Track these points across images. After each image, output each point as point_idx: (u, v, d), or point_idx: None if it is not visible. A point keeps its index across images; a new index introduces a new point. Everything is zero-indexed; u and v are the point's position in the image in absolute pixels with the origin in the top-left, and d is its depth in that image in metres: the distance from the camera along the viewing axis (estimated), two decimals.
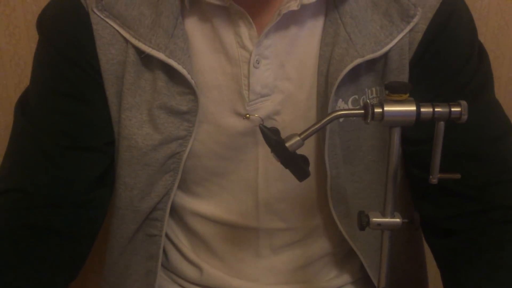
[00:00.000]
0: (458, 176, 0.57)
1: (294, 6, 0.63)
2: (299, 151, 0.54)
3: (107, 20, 0.65)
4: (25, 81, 0.96)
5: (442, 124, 0.53)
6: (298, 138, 0.54)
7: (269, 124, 0.67)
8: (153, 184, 0.70)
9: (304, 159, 0.56)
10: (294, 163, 0.55)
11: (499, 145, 0.69)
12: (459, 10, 0.68)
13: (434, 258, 0.73)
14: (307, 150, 0.67)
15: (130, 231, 0.73)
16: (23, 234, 0.65)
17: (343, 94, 0.66)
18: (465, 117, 0.52)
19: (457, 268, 0.68)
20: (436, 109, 0.52)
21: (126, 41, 0.66)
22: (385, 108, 0.52)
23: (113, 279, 0.77)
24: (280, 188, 0.72)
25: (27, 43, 0.95)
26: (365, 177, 0.71)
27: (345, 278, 0.79)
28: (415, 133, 0.67)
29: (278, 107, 0.68)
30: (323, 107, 0.66)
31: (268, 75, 0.67)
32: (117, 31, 0.66)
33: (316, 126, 0.54)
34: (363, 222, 0.56)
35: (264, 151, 0.70)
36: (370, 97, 0.68)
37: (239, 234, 0.76)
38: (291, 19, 0.65)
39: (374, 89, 0.68)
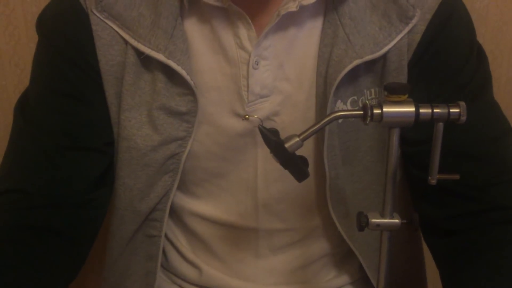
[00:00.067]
0: (457, 177, 0.57)
1: (293, 7, 0.63)
2: (298, 152, 0.54)
3: (107, 21, 0.66)
4: (25, 82, 0.95)
5: (441, 125, 0.54)
6: (297, 139, 0.54)
7: (268, 125, 0.67)
8: (153, 184, 0.70)
9: (303, 160, 0.56)
10: (293, 164, 0.55)
11: (498, 146, 0.69)
12: (457, 11, 0.68)
13: (434, 258, 0.73)
14: (306, 151, 0.67)
15: (129, 232, 0.73)
16: (23, 234, 0.65)
17: (342, 95, 0.66)
18: (464, 118, 0.53)
19: (457, 268, 0.68)
20: (435, 110, 0.53)
21: (126, 42, 0.66)
22: (384, 109, 0.52)
23: (112, 279, 0.77)
24: (279, 188, 0.72)
25: (26, 43, 0.95)
26: (364, 177, 0.71)
27: (344, 278, 0.79)
28: (414, 134, 0.67)
29: (277, 108, 0.68)
30: (322, 108, 0.67)
31: (267, 76, 0.67)
32: (117, 32, 0.66)
33: (315, 127, 0.54)
34: (362, 223, 0.56)
35: (263, 152, 0.70)
36: (369, 98, 0.68)
37: (238, 235, 0.76)
38: (290, 20, 0.65)
39: (373, 90, 0.68)
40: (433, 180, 0.56)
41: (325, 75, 0.66)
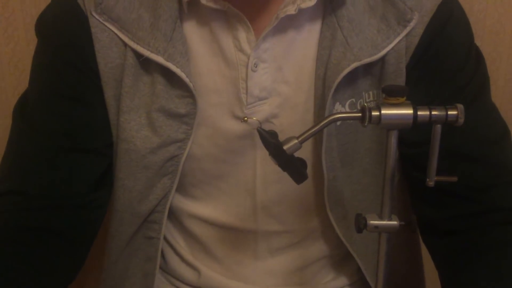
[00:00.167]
0: (455, 179, 0.57)
1: (291, 10, 0.63)
2: (296, 154, 0.55)
3: (106, 23, 0.66)
4: (24, 84, 0.95)
5: (439, 127, 0.54)
6: (295, 141, 0.54)
7: (267, 127, 0.66)
8: (152, 186, 0.70)
9: (302, 162, 0.56)
10: (292, 166, 0.55)
11: (496, 148, 0.69)
12: (455, 13, 0.68)
13: (433, 259, 0.73)
14: (305, 153, 0.68)
15: (128, 233, 0.73)
16: (22, 235, 0.66)
17: (341, 98, 0.66)
18: (461, 120, 0.53)
19: (456, 269, 0.68)
20: (433, 112, 0.53)
21: (125, 44, 0.66)
22: (382, 111, 0.52)
23: (111, 281, 0.77)
24: (278, 190, 0.72)
25: (25, 45, 0.95)
26: (362, 179, 0.71)
27: (342, 280, 0.79)
28: (413, 136, 0.67)
29: (276, 110, 0.68)
30: (320, 110, 0.67)
31: (266, 78, 0.67)
32: (116, 34, 0.66)
33: (314, 129, 0.54)
34: (361, 225, 0.56)
35: (262, 154, 0.70)
36: (368, 100, 0.68)
37: (237, 237, 0.76)
38: (289, 23, 0.66)
39: (371, 93, 0.68)
40: (431, 182, 0.56)
41: (324, 78, 0.66)
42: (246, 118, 0.67)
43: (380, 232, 0.57)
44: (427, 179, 0.56)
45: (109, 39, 0.66)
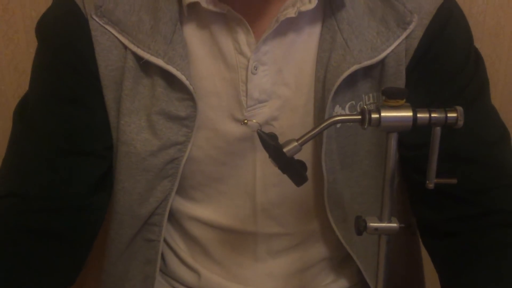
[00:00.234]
0: (454, 181, 0.58)
1: (291, 13, 0.63)
2: (296, 156, 0.55)
3: (106, 26, 0.66)
4: (24, 86, 0.95)
5: (438, 129, 0.54)
6: (295, 143, 0.54)
7: (266, 129, 0.67)
8: (152, 189, 0.70)
9: (301, 164, 0.56)
10: (292, 168, 0.55)
11: (495, 150, 0.69)
12: (455, 16, 0.69)
13: (432, 261, 0.73)
14: (305, 155, 0.68)
15: (128, 236, 0.73)
16: (22, 237, 0.66)
17: (340, 100, 0.66)
18: (461, 122, 0.53)
19: (456, 271, 0.68)
20: (432, 115, 0.53)
21: (125, 47, 0.66)
22: (382, 114, 0.52)
23: (111, 283, 0.77)
24: (278, 193, 0.72)
25: (25, 48, 0.95)
26: (362, 182, 0.71)
27: (342, 282, 0.79)
28: (413, 138, 0.67)
29: (276, 112, 0.68)
30: (320, 112, 0.67)
31: (266, 81, 0.67)
32: (116, 37, 0.66)
33: (313, 132, 0.54)
34: (360, 227, 0.56)
35: (262, 157, 0.70)
36: (367, 103, 0.68)
37: (237, 239, 0.76)
38: (289, 25, 0.66)
39: (371, 95, 0.68)
40: (430, 184, 0.56)
41: (324, 80, 0.66)
42: (246, 121, 0.68)
43: (380, 234, 0.57)
44: (427, 181, 0.56)
45: (109, 42, 0.66)
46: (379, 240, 0.57)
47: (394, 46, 0.65)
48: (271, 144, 0.54)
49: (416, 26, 0.66)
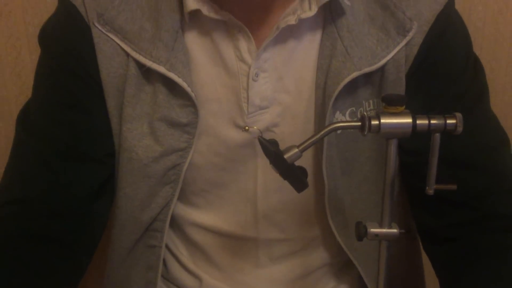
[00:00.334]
0: (454, 187, 0.58)
1: (292, 21, 0.64)
2: (297, 163, 0.55)
3: (109, 34, 0.66)
4: (26, 93, 0.96)
5: (437, 135, 0.54)
6: (296, 150, 0.54)
7: (267, 136, 0.67)
8: (154, 195, 0.70)
9: (302, 171, 0.56)
10: (293, 175, 0.55)
11: (495, 156, 0.69)
12: (454, 23, 0.69)
13: (433, 266, 0.73)
14: (305, 161, 0.68)
15: (130, 242, 0.73)
16: (24, 243, 0.66)
17: (341, 106, 0.67)
18: (460, 128, 0.53)
19: (457, 276, 0.68)
20: (431, 121, 0.53)
21: (127, 54, 0.66)
22: (382, 121, 0.52)
23: None
24: (279, 199, 0.72)
25: (28, 55, 0.95)
26: (363, 188, 0.72)
27: None
28: (412, 144, 0.67)
29: (277, 119, 0.69)
30: (321, 119, 0.67)
31: (266, 87, 0.68)
32: (118, 44, 0.66)
33: (314, 138, 0.54)
34: (361, 233, 0.56)
35: (263, 163, 0.70)
36: (368, 109, 0.68)
37: (238, 245, 0.76)
38: (289, 33, 0.66)
39: (371, 101, 0.69)
40: (430, 190, 0.56)
41: (324, 87, 0.66)
42: (247, 127, 0.68)
43: (380, 240, 0.57)
44: (427, 187, 0.56)
45: (112, 49, 0.67)
46: (379, 245, 0.57)
47: (394, 53, 0.66)
48: (272, 150, 0.54)
49: (416, 33, 0.66)
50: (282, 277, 0.77)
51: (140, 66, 0.66)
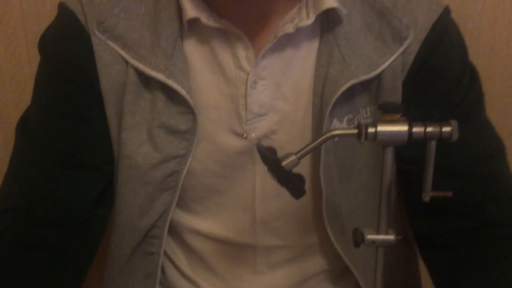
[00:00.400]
0: (449, 194, 0.58)
1: (290, 29, 0.64)
2: (295, 170, 0.55)
3: (108, 42, 0.66)
4: (25, 100, 0.96)
5: (433, 143, 0.54)
6: (294, 157, 0.54)
7: (265, 143, 0.67)
8: (152, 202, 0.70)
9: (300, 178, 0.56)
10: (291, 182, 0.55)
11: (491, 164, 0.70)
12: (450, 31, 0.70)
13: (430, 274, 0.73)
14: (303, 168, 0.68)
15: (128, 249, 0.73)
16: (23, 252, 0.66)
17: (338, 114, 0.67)
18: (455, 136, 0.53)
19: (453, 283, 0.68)
20: (427, 129, 0.53)
21: (126, 62, 0.67)
22: (378, 128, 0.53)
23: None
24: (277, 205, 0.72)
25: (27, 62, 0.95)
26: (360, 195, 0.72)
27: None
28: (409, 152, 0.68)
29: (275, 126, 0.69)
30: (318, 126, 0.67)
31: (264, 95, 0.68)
32: (118, 52, 0.67)
33: (312, 145, 0.54)
34: (358, 239, 0.56)
35: (261, 170, 0.71)
36: (365, 116, 0.69)
37: (236, 251, 0.76)
38: (287, 41, 0.67)
39: (368, 109, 0.69)
40: (426, 197, 0.56)
41: (321, 94, 0.67)
42: (245, 135, 0.68)
43: (377, 246, 0.57)
44: (423, 194, 0.56)
45: (111, 57, 0.67)
46: (376, 252, 0.57)
47: (390, 61, 0.66)
48: (270, 157, 0.54)
49: (412, 41, 0.67)
50: (279, 283, 0.77)
51: (139, 73, 0.66)
